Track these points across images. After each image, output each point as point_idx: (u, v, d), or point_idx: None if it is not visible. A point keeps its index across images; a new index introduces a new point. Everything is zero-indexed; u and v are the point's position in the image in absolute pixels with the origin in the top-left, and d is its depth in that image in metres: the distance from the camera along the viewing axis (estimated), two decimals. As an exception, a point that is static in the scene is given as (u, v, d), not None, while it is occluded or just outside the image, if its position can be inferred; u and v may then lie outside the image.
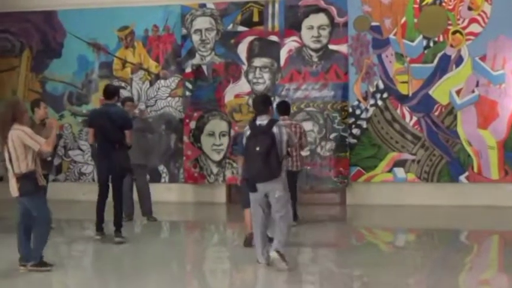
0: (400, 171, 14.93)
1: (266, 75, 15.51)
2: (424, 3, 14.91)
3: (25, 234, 9.16)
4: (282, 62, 15.42)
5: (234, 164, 14.99)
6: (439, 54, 14.78)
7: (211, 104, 15.70)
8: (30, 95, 16.25)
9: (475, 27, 14.71)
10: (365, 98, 15.07)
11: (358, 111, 15.09)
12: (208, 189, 15.67)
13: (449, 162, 14.73)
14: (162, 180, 15.88)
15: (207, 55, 15.82)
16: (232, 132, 15.34)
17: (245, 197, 10.09)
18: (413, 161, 14.87)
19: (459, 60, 14.71)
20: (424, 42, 14.85)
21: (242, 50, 15.63)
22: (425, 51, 14.84)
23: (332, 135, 15.13)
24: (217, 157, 15.65)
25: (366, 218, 14.19)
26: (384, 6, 15.05)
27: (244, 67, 15.60)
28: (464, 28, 14.74)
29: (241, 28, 15.67)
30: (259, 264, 9.31)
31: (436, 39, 14.83)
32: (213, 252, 11.30)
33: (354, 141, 15.10)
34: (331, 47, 15.26)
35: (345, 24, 15.19)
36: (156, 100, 15.99)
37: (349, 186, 15.18)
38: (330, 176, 15.11)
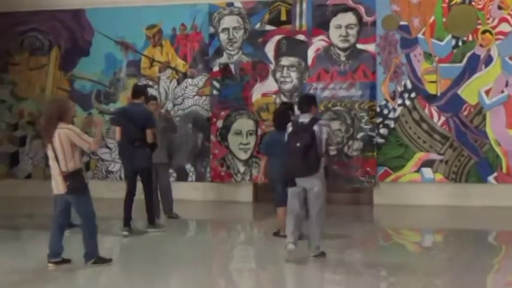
0: (427, 172, 14.83)
1: (293, 74, 15.48)
2: (453, 2, 14.79)
3: (59, 231, 9.28)
4: (309, 61, 15.38)
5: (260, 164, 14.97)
6: (468, 54, 14.65)
7: (238, 103, 15.70)
8: (58, 93, 16.36)
9: (505, 27, 14.58)
10: (393, 98, 14.99)
11: (385, 111, 15.02)
12: (234, 188, 15.66)
13: (478, 163, 14.62)
14: (189, 179, 15.90)
15: (234, 54, 15.82)
16: (259, 131, 15.35)
17: (278, 196, 10.74)
18: (441, 161, 14.77)
19: (488, 60, 14.58)
20: (453, 42, 14.74)
21: (270, 49, 15.61)
22: (454, 51, 14.73)
23: (359, 135, 15.08)
24: (244, 156, 15.65)
25: (393, 218, 14.11)
26: (412, 5, 14.95)
27: (272, 66, 15.58)
28: (494, 27, 14.61)
29: (268, 27, 15.65)
30: (286, 248, 9.47)
31: (465, 38, 14.71)
32: (240, 251, 11.30)
33: (381, 140, 15.03)
34: (359, 46, 15.20)
35: (373, 24, 15.12)
36: (184, 99, 16.01)
37: (376, 186, 15.11)
38: (357, 175, 15.05)
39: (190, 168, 15.90)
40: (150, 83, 16.00)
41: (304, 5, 15.44)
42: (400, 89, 14.96)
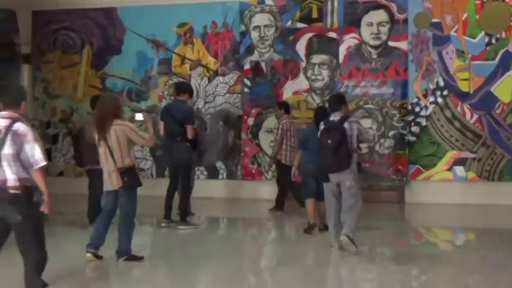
0: (460, 170, 14.73)
1: (325, 72, 15.44)
2: (486, -1, 14.70)
3: (105, 225, 9.37)
4: (340, 59, 15.34)
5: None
6: (502, 51, 14.54)
7: (269, 101, 15.68)
8: (90, 91, 16.42)
9: (538, 24, 14.48)
10: (425, 96, 14.90)
11: (417, 109, 14.93)
12: (265, 185, 15.63)
13: (511, 161, 14.49)
14: (220, 176, 15.91)
15: (265, 52, 15.81)
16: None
17: (307, 188, 11.30)
18: (473, 159, 14.66)
19: (522, 57, 14.49)
20: (486, 39, 14.63)
21: (301, 46, 15.58)
22: (487, 48, 14.62)
23: (391, 133, 15.01)
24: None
25: (424, 217, 14.04)
26: (444, 2, 14.85)
27: (303, 64, 15.55)
28: (527, 24, 14.51)
29: (300, 25, 15.62)
30: (332, 248, 9.94)
31: (499, 35, 14.59)
32: (270, 249, 11.31)
33: (413, 138, 14.95)
34: (391, 43, 15.13)
35: (405, 21, 15.04)
36: (215, 96, 16.03)
37: (408, 185, 15.03)
38: (389, 173, 14.99)
39: (221, 165, 15.91)
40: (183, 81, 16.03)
41: (336, 2, 15.39)
42: (432, 86, 14.87)
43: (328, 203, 10.08)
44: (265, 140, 15.67)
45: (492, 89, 14.56)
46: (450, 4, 14.83)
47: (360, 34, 15.29)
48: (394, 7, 15.09)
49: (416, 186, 14.99)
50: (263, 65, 15.81)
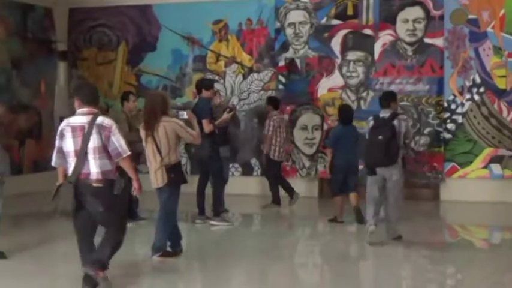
0: (496, 168, 14.60)
1: (360, 69, 15.38)
2: (524, -5, 14.55)
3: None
4: (376, 56, 15.26)
5: (326, 158, 14.89)
6: (540, 48, 14.42)
7: (304, 98, 15.66)
8: (125, 87, 16.47)
9: None
10: (461, 93, 14.79)
11: (453, 106, 14.82)
12: (300, 183, 15.61)
13: (548, 159, 14.38)
14: (254, 173, 15.91)
15: (300, 48, 15.78)
16: (325, 126, 15.29)
17: (336, 185, 12.05)
18: (510, 157, 14.52)
19: (560, 54, 14.34)
20: (524, 36, 14.51)
21: (336, 43, 15.52)
22: (525, 45, 14.49)
23: (426, 130, 14.92)
24: (309, 151, 15.61)
25: (460, 215, 13.96)
26: (481, -2, 14.74)
27: (338, 61, 15.50)
28: None
29: (335, 21, 15.56)
30: (368, 229, 10.40)
31: (536, 32, 14.47)
32: (305, 246, 11.31)
33: (448, 136, 14.84)
34: (427, 40, 15.02)
35: (441, 18, 14.93)
36: (249, 93, 16.04)
37: (443, 182, 14.93)
38: (424, 171, 14.90)
39: (255, 162, 15.91)
40: (216, 77, 16.04)
41: (371, -1, 15.35)
42: (468, 83, 14.75)
43: (370, 194, 10.51)
44: (300, 137, 15.64)
45: (530, 86, 14.45)
46: (487, 0, 14.69)
47: (395, 31, 15.20)
48: (430, 4, 14.98)
49: (452, 183, 14.87)
50: (298, 62, 15.78)
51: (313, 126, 15.60)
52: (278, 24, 15.90)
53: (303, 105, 15.67)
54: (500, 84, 14.58)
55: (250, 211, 14.02)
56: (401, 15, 15.16)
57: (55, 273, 9.37)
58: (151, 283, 8.69)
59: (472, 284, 8.54)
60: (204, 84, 12.47)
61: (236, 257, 9.81)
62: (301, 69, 15.75)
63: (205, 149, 11.75)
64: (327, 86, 15.53)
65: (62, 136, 7.77)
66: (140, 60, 16.89)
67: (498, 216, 13.60)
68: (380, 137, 10.18)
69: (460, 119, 14.78)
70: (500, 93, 14.58)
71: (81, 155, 7.54)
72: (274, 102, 14.19)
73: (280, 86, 15.84)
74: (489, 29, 14.66)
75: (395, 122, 10.28)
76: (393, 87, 14.89)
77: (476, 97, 14.70)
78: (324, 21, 15.63)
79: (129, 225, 9.33)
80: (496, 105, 14.59)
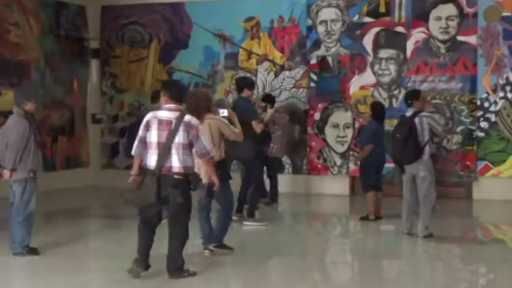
0: (530, 167, 14.49)
1: (392, 67, 15.31)
2: (559, -9, 14.39)
3: (207, 219, 9.58)
4: (408, 54, 15.18)
5: (358, 155, 14.85)
6: None
7: (336, 96, 15.63)
8: (157, 85, 16.50)
9: None
10: (494, 91, 14.67)
11: (486, 104, 14.70)
12: (331, 180, 15.59)
13: None
14: (286, 171, 15.90)
15: (332, 46, 15.74)
16: (357, 124, 15.25)
17: (368, 181, 12.13)
18: (544, 155, 14.42)
19: None
20: (558, 33, 14.37)
21: (368, 41, 15.47)
22: (560, 42, 14.36)
23: (459, 129, 14.82)
24: (341, 149, 15.57)
25: (493, 214, 13.87)
26: (516, -5, 14.61)
27: (370, 58, 15.44)
28: None
29: (367, 19, 15.51)
30: (403, 235, 10.67)
31: None
32: (335, 244, 11.30)
33: (481, 134, 14.73)
34: (460, 38, 14.92)
35: (475, 15, 14.82)
36: (281, 91, 16.02)
37: (476, 181, 14.83)
38: (456, 169, 14.80)
39: (286, 160, 15.89)
40: (248, 75, 16.05)
41: (404, -4, 15.28)
42: (501, 81, 14.63)
43: (404, 192, 10.76)
44: (332, 135, 15.61)
45: None
46: (522, -3, 14.58)
47: (428, 28, 15.11)
48: (463, 1, 14.87)
49: (485, 182, 14.76)
50: (330, 59, 15.74)
51: (344, 124, 15.55)
52: (310, 22, 15.87)
53: (334, 103, 15.63)
54: (534, 82, 14.48)
55: (281, 209, 14.00)
56: (434, 13, 15.06)
57: (87, 269, 9.43)
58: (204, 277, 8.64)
59: (504, 284, 8.47)
60: (248, 84, 12.36)
61: (266, 253, 9.83)
62: (333, 67, 15.71)
63: (245, 151, 11.66)
64: (359, 83, 15.49)
65: (147, 127, 8.05)
66: (172, 58, 16.95)
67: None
68: (398, 134, 10.54)
69: (493, 118, 14.66)
70: (534, 92, 14.47)
71: (166, 148, 7.88)
72: (269, 100, 13.76)
73: (312, 84, 15.81)
74: (523, 27, 14.55)
75: (416, 120, 10.47)
76: (425, 85, 14.85)
77: (510, 95, 14.58)
78: (356, 18, 15.58)
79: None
80: (529, 104, 14.48)
